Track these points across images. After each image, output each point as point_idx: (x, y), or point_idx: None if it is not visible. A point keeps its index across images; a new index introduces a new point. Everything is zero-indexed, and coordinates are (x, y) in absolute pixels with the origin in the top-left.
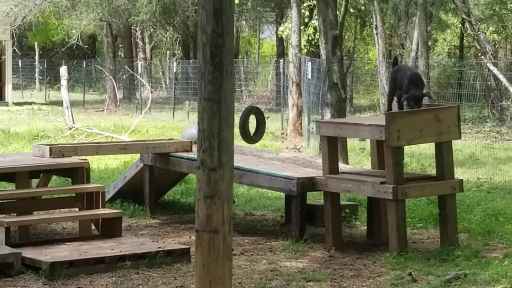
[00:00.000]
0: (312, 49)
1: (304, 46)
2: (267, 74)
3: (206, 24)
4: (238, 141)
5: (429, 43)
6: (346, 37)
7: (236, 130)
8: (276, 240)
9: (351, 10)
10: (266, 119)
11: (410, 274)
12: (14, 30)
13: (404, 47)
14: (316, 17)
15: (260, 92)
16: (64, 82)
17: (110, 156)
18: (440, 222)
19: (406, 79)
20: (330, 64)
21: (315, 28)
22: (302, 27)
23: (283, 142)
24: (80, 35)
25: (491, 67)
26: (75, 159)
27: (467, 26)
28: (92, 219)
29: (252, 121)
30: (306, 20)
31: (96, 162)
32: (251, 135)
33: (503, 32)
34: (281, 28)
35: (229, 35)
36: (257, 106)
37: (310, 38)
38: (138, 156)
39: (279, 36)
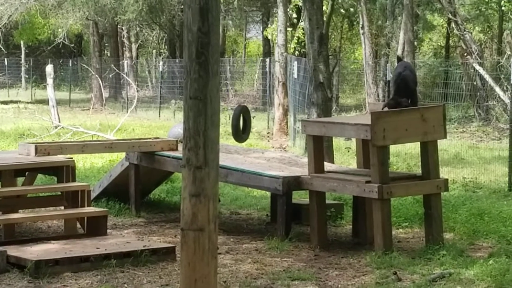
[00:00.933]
0: (304, 50)
1: (294, 48)
2: (253, 74)
3: (192, 23)
4: (224, 140)
5: (415, 43)
6: (333, 36)
7: (222, 129)
8: (261, 239)
9: (342, 11)
10: (252, 118)
11: (395, 273)
12: (0, 28)
13: (390, 47)
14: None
15: (246, 92)
16: (50, 80)
17: (95, 155)
18: (425, 221)
19: (394, 78)
20: (316, 63)
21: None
22: (290, 29)
23: (269, 141)
24: (66, 34)
25: (477, 67)
26: (60, 158)
27: (453, 26)
28: (77, 217)
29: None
30: (294, 21)
31: (82, 161)
32: (242, 134)
33: (489, 32)
34: (268, 30)
35: (215, 34)
36: (245, 105)
37: (300, 40)
38: (123, 155)
39: (266, 37)
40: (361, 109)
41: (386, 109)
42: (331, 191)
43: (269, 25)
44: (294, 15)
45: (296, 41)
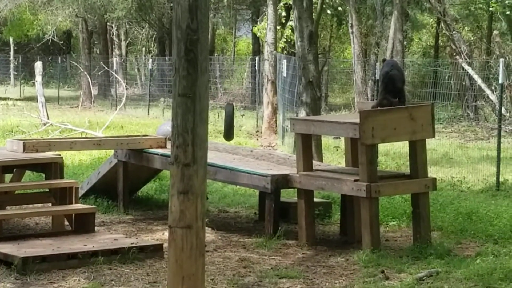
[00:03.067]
0: (292, 50)
1: (283, 47)
2: (242, 72)
3: (181, 20)
4: (213, 138)
5: (405, 43)
6: (322, 35)
7: (211, 127)
8: (249, 237)
9: (328, 12)
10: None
11: (382, 271)
12: None
13: (379, 46)
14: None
15: (235, 90)
16: (39, 77)
17: (84, 152)
18: (413, 220)
19: (381, 77)
20: (305, 62)
21: (292, 29)
22: (279, 27)
23: (257, 139)
24: (56, 31)
25: (466, 67)
26: (49, 155)
27: (443, 25)
28: (65, 214)
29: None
30: (283, 20)
31: (70, 158)
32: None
33: (478, 32)
34: (256, 27)
35: (204, 31)
36: (232, 103)
37: (289, 39)
38: (112, 152)
39: (256, 36)
40: (350, 109)
41: (378, 108)
42: (319, 189)
43: (258, 23)
44: (284, 14)
45: (285, 40)
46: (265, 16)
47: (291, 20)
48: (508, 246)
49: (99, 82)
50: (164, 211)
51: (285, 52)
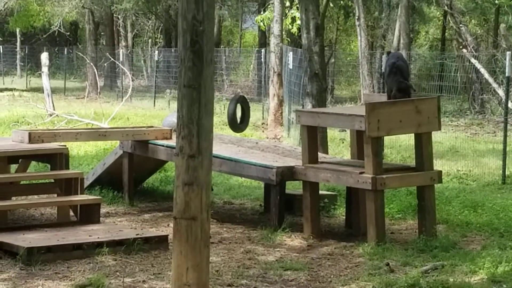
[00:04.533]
0: (288, 39)
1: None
2: (248, 64)
3: (186, 11)
4: (219, 130)
5: (411, 35)
6: (329, 28)
7: (217, 119)
8: (254, 229)
9: (331, 5)
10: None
11: (387, 264)
12: None
13: (386, 38)
14: (295, 6)
15: (241, 82)
16: (45, 69)
17: (89, 143)
18: (419, 213)
19: (389, 67)
20: (311, 54)
21: (292, 18)
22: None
23: (263, 131)
24: (62, 22)
25: (473, 60)
26: (54, 145)
27: (449, 18)
28: (70, 205)
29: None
30: (286, 11)
31: (76, 149)
32: (238, 123)
33: (485, 25)
34: (258, 17)
35: (209, 22)
36: (243, 95)
37: (288, 28)
38: (117, 143)
39: (258, 25)
40: (356, 101)
41: (396, 93)
42: (324, 181)
43: (261, 13)
44: (287, 3)
45: (286, 31)
46: (269, 6)
47: (292, 11)
48: None
49: (105, 74)
50: (169, 203)
51: (287, 41)
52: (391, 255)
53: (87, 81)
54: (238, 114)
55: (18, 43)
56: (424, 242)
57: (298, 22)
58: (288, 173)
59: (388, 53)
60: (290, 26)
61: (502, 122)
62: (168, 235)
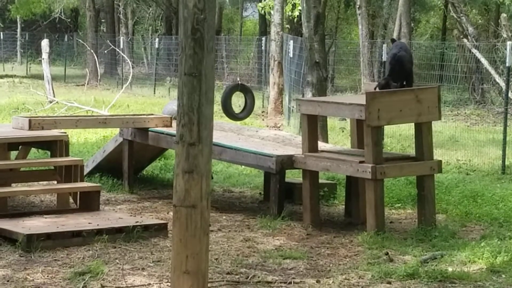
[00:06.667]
0: (287, 26)
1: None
2: (249, 52)
3: None
4: (219, 118)
5: (412, 25)
6: (329, 16)
7: (217, 107)
8: (254, 217)
9: None
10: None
11: (386, 253)
12: None
13: (386, 28)
14: None
15: (241, 70)
16: (45, 55)
17: (89, 130)
18: (418, 203)
19: (389, 59)
20: (311, 42)
21: (293, 5)
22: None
23: (263, 120)
24: (63, 8)
25: (473, 50)
26: (54, 132)
27: (450, 8)
28: (70, 192)
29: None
30: None
31: (76, 136)
32: (235, 112)
33: (486, 15)
34: (260, 4)
35: (210, 10)
36: (243, 83)
37: (288, 15)
38: (117, 130)
39: (262, 16)
40: (357, 90)
41: (377, 89)
42: (324, 170)
43: (263, 0)
44: None
45: (287, 19)
46: None
47: None
48: None
49: (106, 61)
50: (169, 190)
51: (287, 29)
52: (390, 244)
53: (87, 68)
54: (238, 102)
55: (18, 30)
56: (423, 231)
57: (299, 8)
58: (288, 161)
59: (393, 41)
60: (290, 13)
61: (502, 112)
62: (167, 223)
